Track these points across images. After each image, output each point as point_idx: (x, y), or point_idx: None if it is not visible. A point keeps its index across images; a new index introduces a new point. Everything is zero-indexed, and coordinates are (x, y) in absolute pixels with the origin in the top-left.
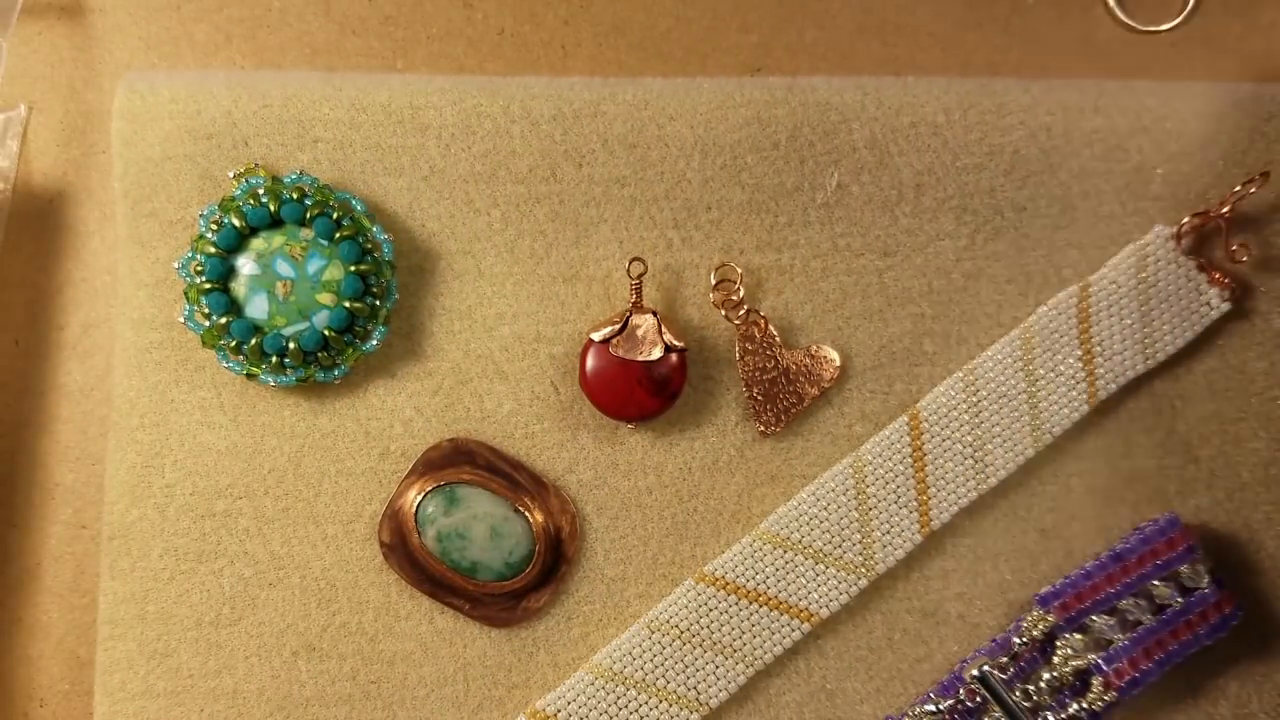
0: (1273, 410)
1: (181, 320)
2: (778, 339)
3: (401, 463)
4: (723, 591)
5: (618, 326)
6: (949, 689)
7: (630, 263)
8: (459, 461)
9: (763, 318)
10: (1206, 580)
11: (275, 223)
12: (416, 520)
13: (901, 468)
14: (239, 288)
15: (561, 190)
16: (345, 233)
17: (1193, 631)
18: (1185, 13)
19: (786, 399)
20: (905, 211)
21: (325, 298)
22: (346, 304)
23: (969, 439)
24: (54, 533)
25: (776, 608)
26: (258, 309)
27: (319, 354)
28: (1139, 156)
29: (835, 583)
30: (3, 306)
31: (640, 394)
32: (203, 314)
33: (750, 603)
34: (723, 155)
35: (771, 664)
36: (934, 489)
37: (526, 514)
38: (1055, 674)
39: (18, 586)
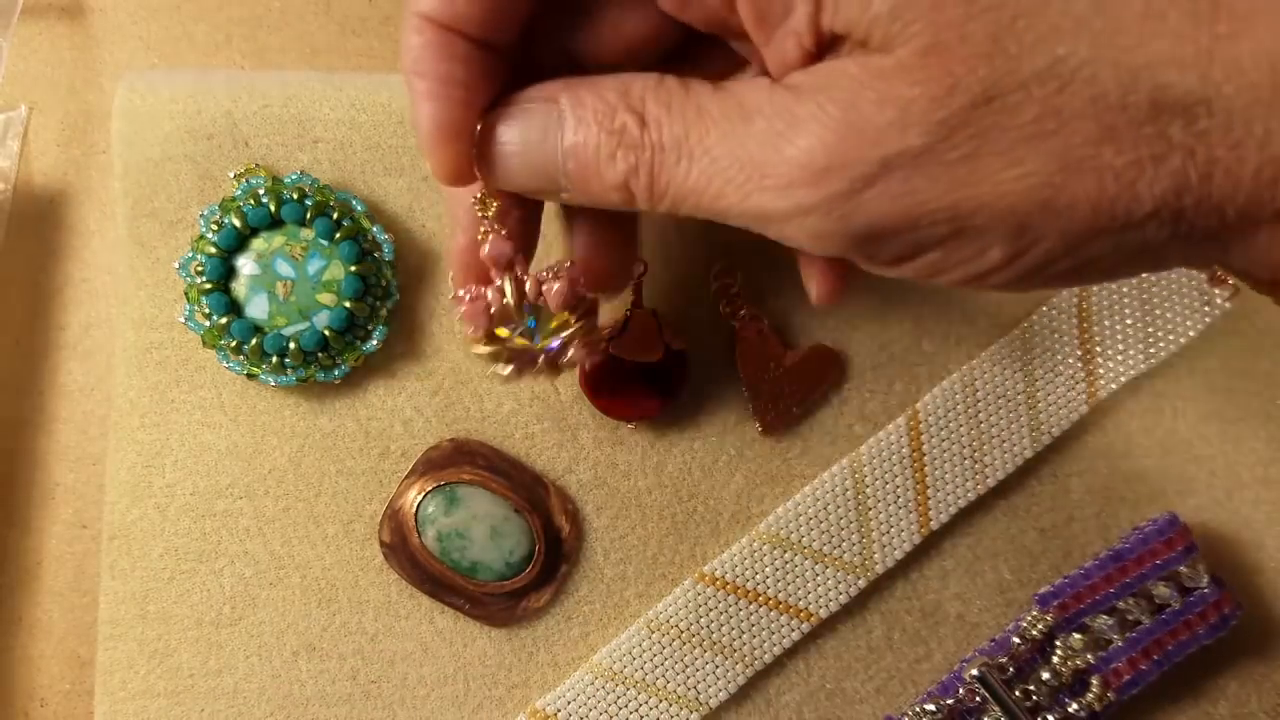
0: (1273, 410)
1: (182, 320)
2: (778, 339)
3: (401, 463)
4: (722, 591)
5: (618, 327)
6: (948, 689)
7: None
8: (459, 461)
9: (763, 318)
10: (1205, 580)
11: (275, 223)
12: (416, 520)
13: (900, 468)
14: (239, 288)
15: None
16: (345, 233)
17: (1192, 631)
18: None
19: (786, 399)
20: None
21: (325, 298)
22: (347, 304)
23: (968, 439)
24: (54, 532)
25: (776, 608)
26: (258, 309)
27: (319, 354)
28: None
29: (835, 583)
30: (3, 306)
31: (640, 394)
32: (203, 314)
33: (750, 603)
34: None
35: (771, 664)
36: (933, 489)
37: (526, 514)
38: (1054, 674)
39: (18, 586)
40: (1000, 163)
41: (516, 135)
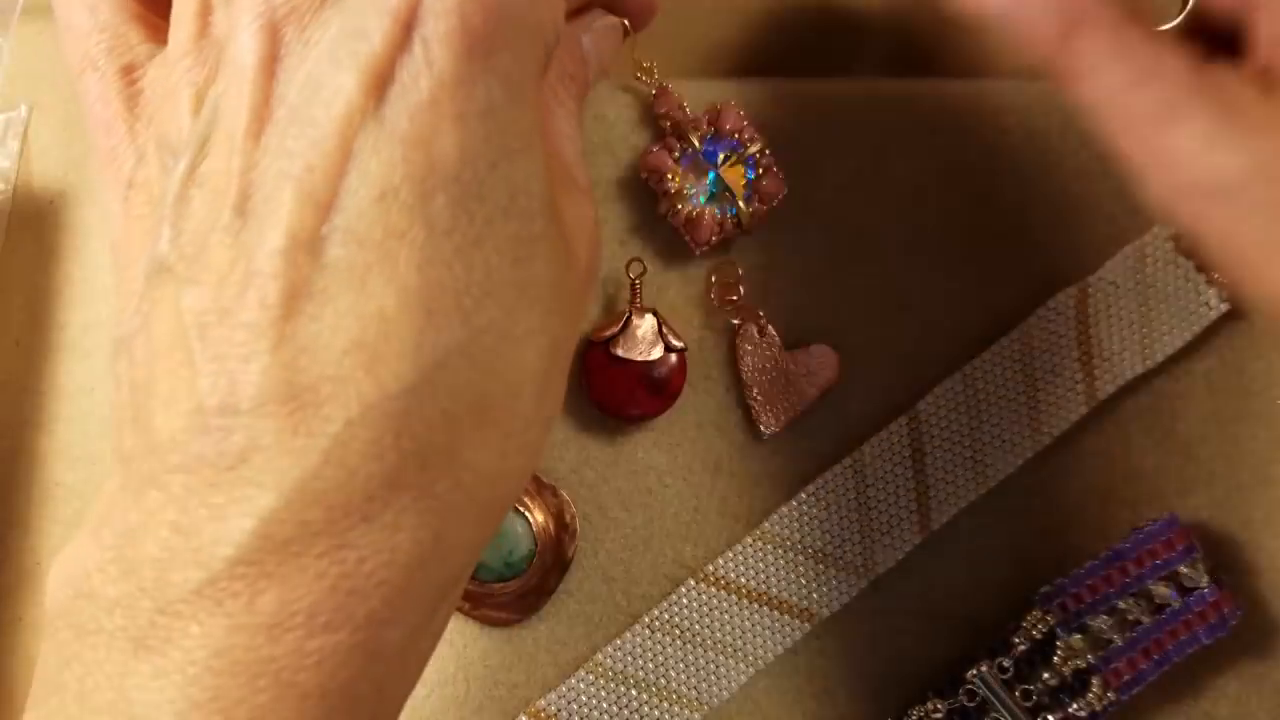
0: (1272, 410)
1: None
2: (778, 339)
3: None
4: (723, 591)
5: (618, 327)
6: (949, 689)
7: (630, 263)
8: None
9: (763, 318)
10: (1205, 580)
11: None
12: None
13: (901, 468)
14: None
15: None
16: None
17: (1192, 631)
18: (1185, 13)
19: (786, 399)
20: (905, 212)
21: None
22: None
23: (968, 439)
24: (54, 533)
25: (776, 608)
26: None
27: None
28: None
29: (835, 583)
30: (3, 306)
31: (640, 394)
32: None
33: (750, 603)
34: None
35: (771, 664)
36: (933, 489)
37: (526, 514)
38: (1055, 674)
39: (18, 586)
40: None
41: None
